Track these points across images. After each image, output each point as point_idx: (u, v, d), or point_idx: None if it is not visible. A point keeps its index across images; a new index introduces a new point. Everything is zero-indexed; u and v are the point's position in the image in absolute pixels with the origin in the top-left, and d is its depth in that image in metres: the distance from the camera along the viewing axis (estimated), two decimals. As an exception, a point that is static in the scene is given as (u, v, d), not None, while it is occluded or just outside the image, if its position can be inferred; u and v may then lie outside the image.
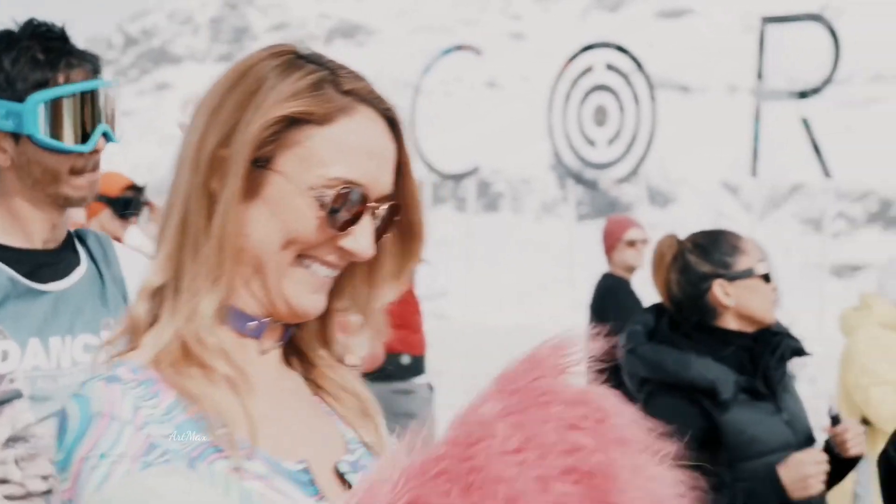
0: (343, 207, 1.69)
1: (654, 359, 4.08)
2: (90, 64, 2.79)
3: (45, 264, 2.81)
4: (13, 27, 2.81)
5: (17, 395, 2.72)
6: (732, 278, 4.06)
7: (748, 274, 4.06)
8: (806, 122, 12.47)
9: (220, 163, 1.69)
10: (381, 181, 1.73)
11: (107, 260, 2.92)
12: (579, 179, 14.63)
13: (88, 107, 2.77)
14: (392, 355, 9.21)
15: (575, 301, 12.72)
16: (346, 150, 1.69)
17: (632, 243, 8.48)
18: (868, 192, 50.17)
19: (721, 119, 54.27)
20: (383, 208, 1.75)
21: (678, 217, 50.33)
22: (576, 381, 1.57)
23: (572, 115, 14.25)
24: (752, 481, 3.88)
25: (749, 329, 4.10)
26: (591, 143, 14.11)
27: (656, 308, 4.24)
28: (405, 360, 9.86)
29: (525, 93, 52.50)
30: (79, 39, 2.86)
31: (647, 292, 8.90)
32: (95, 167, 2.80)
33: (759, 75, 12.82)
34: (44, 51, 2.76)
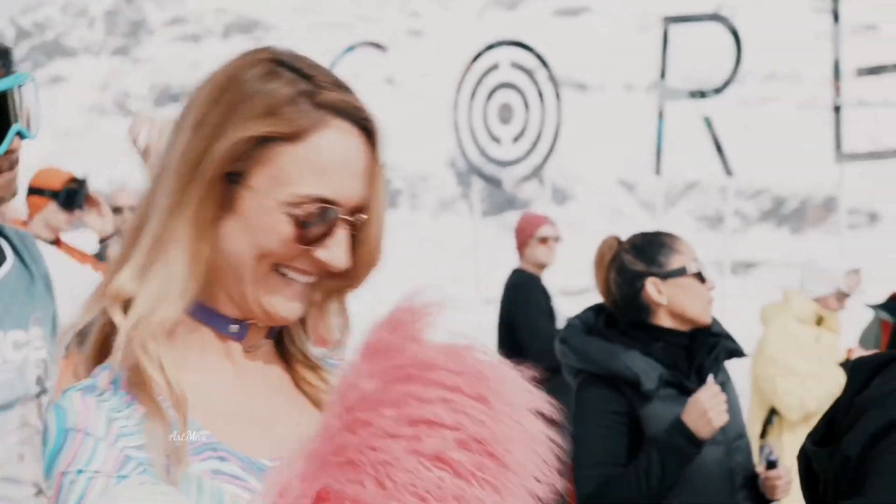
0: (315, 223, 1.72)
1: (582, 349, 4.16)
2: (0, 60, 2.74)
3: None
4: None
5: None
6: (665, 276, 4.15)
7: (681, 272, 4.16)
8: (708, 121, 12.64)
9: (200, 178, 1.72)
10: (353, 194, 1.75)
11: (32, 257, 2.89)
12: (483, 176, 14.67)
13: (1, 107, 2.71)
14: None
15: (480, 297, 12.78)
16: (318, 168, 1.71)
17: (544, 240, 8.55)
18: (762, 191, 50.93)
19: (619, 117, 54.79)
20: (358, 217, 1.77)
21: (577, 214, 50.73)
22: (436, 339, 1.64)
23: (477, 112, 14.29)
24: (661, 446, 3.95)
25: (684, 328, 4.19)
26: (496, 140, 14.16)
27: (598, 307, 4.33)
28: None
29: (424, 90, 52.60)
30: None
31: (556, 288, 8.98)
32: (12, 166, 2.76)
33: (662, 74, 12.96)
34: None
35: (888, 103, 43.21)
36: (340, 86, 1.76)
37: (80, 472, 1.62)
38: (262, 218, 1.71)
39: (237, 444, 1.72)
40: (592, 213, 51.07)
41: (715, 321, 4.26)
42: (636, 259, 4.20)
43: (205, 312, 1.78)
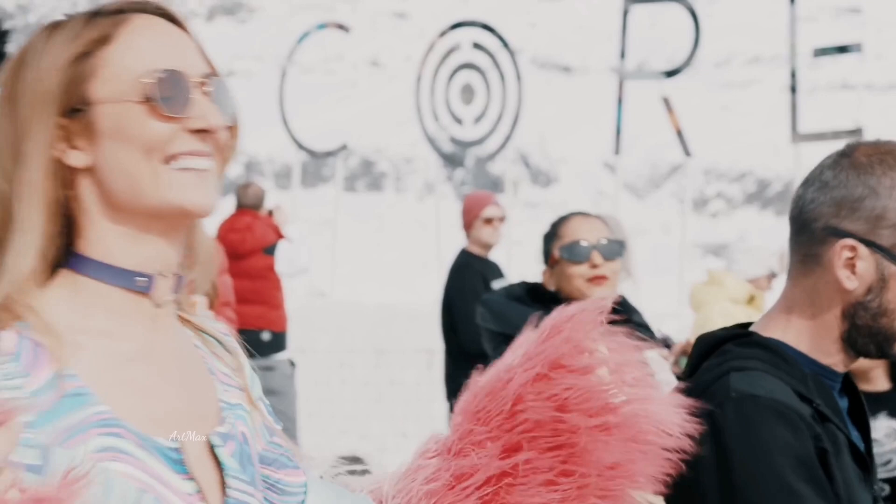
0: (168, 92, 1.71)
1: (499, 311, 4.27)
2: None
3: None
4: None
5: None
6: (548, 264, 4.36)
7: (558, 261, 4.32)
8: (667, 102, 12.67)
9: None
10: (192, 63, 1.76)
11: None
12: (448, 158, 14.69)
13: None
14: (252, 332, 9.21)
15: (440, 280, 12.82)
16: (142, 50, 1.73)
17: (489, 220, 8.57)
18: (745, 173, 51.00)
19: (600, 99, 54.80)
20: (212, 84, 1.76)
21: (560, 196, 50.74)
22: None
23: (440, 93, 14.30)
24: None
25: None
26: (459, 121, 14.17)
27: (528, 283, 4.49)
28: (265, 336, 9.87)
29: (407, 71, 52.52)
30: None
31: (520, 270, 9.01)
32: None
33: (623, 55, 12.99)
34: None
35: (845, 85, 43.30)
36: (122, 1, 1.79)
37: None
38: (124, 118, 1.71)
39: (137, 420, 1.68)
40: (577, 196, 51.08)
41: (636, 312, 4.41)
42: (544, 246, 4.45)
43: (105, 269, 1.74)
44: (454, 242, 9.39)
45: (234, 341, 1.91)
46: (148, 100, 1.71)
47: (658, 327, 4.50)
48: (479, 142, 14.21)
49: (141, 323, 1.76)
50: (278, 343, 10.12)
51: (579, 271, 4.28)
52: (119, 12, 1.76)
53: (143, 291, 1.75)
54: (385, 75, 56.26)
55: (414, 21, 63.06)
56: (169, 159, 1.72)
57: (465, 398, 2.02)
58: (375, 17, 62.03)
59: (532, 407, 1.94)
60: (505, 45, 13.99)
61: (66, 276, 1.74)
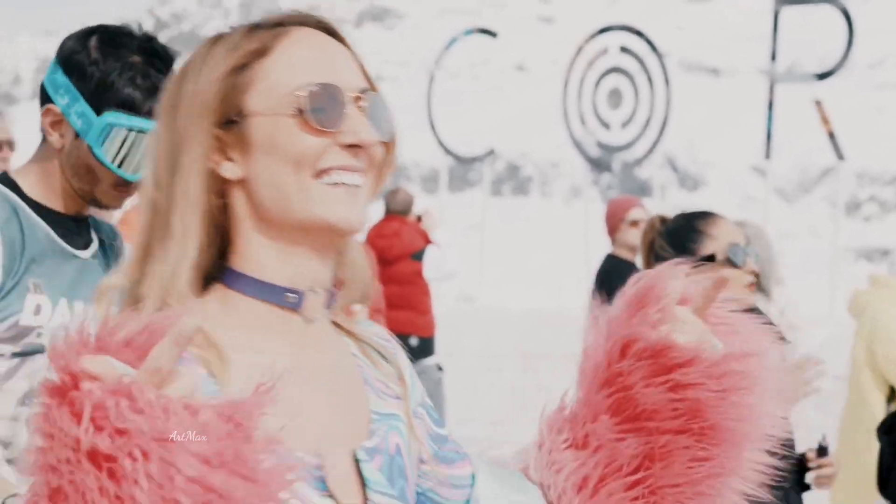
0: (322, 106, 1.69)
1: None
2: None
3: (73, 232, 2.90)
4: (134, 26, 2.90)
5: (39, 350, 2.79)
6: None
7: (710, 260, 4.05)
8: (819, 105, 12.45)
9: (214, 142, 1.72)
10: (348, 78, 1.73)
11: (114, 248, 3.01)
12: (595, 162, 14.62)
13: (141, 147, 2.80)
14: (400, 337, 9.24)
15: (589, 285, 12.77)
16: (300, 63, 1.71)
17: (635, 223, 8.45)
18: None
19: (751, 102, 54.10)
20: (368, 99, 1.74)
21: (708, 200, 50.13)
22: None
23: (587, 97, 14.24)
24: None
25: None
26: (606, 125, 14.09)
27: None
28: (413, 341, 9.90)
29: (553, 76, 52.41)
30: (108, 22, 2.90)
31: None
32: (134, 191, 2.85)
33: (773, 58, 12.79)
34: (144, 76, 2.81)
35: None
36: (282, 12, 1.78)
37: None
38: (276, 131, 1.70)
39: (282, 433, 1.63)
40: (725, 200, 50.48)
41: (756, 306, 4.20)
42: (668, 245, 4.11)
43: (256, 285, 1.72)
44: (602, 247, 9.34)
45: (395, 346, 1.88)
46: (300, 113, 1.70)
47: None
48: (627, 146, 14.12)
49: (290, 338, 1.73)
50: (426, 348, 10.15)
51: (738, 276, 4.10)
52: (279, 25, 1.75)
53: (293, 308, 1.73)
54: (531, 80, 56.22)
55: (560, 25, 62.90)
56: (320, 174, 1.70)
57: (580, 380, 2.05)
58: (521, 22, 62.04)
59: (643, 394, 1.93)
60: (654, 48, 13.88)
61: (218, 290, 1.74)
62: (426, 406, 1.89)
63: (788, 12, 12.93)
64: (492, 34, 16.06)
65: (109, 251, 2.99)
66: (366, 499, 1.72)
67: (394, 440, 1.78)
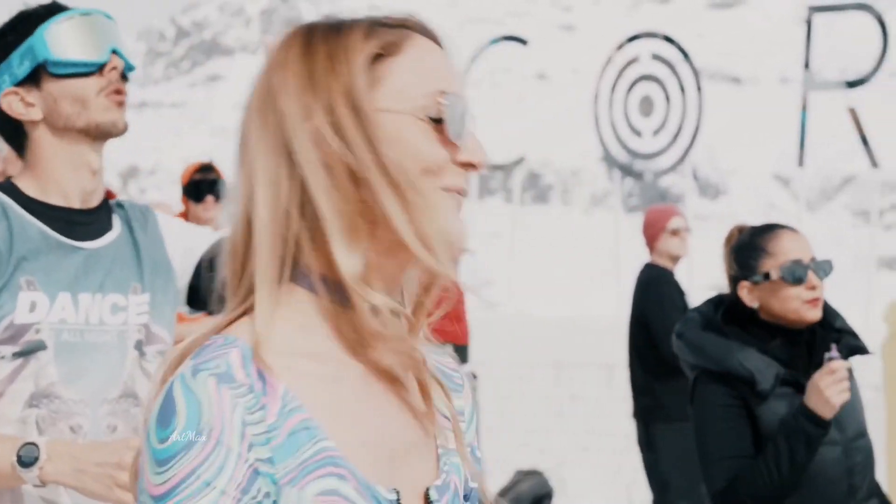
0: (451, 116, 1.63)
1: (698, 345, 4.12)
2: None
3: (79, 223, 2.87)
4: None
5: (41, 347, 2.76)
6: (755, 282, 4.09)
7: (766, 278, 4.07)
8: (854, 112, 12.39)
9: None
10: (462, 95, 1.67)
11: (145, 228, 2.98)
12: (626, 170, 14.58)
13: (92, 27, 2.86)
14: (434, 345, 9.20)
15: (619, 293, 12.75)
16: (428, 68, 1.65)
17: (675, 232, 8.41)
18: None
19: (772, 110, 54.05)
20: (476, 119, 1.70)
21: (729, 209, 50.03)
22: None
23: (618, 105, 14.20)
24: (787, 432, 3.88)
25: (798, 325, 4.10)
26: (637, 133, 14.06)
27: (718, 299, 4.27)
28: (447, 349, 9.88)
29: (574, 84, 52.29)
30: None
31: (706, 283, 8.89)
32: (121, 90, 2.87)
33: (807, 65, 12.74)
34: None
35: None
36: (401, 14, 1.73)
37: (206, 483, 1.51)
38: (407, 130, 1.61)
39: (360, 461, 1.58)
40: (747, 208, 50.40)
41: (839, 317, 4.16)
42: (733, 262, 4.17)
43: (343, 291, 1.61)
44: (632, 256, 9.30)
45: (461, 378, 1.80)
46: (431, 119, 1.63)
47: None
48: (658, 153, 14.08)
49: (360, 352, 1.65)
50: (461, 356, 10.12)
51: (796, 293, 4.08)
52: (402, 26, 1.68)
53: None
54: (553, 88, 56.15)
55: (581, 34, 62.77)
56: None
57: None
58: (543, 31, 62.13)
59: None
60: (686, 56, 13.85)
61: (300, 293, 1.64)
62: (472, 446, 1.80)
63: (820, 19, 12.89)
64: (522, 41, 16.04)
65: (140, 233, 2.96)
66: None
67: (453, 479, 1.71)
